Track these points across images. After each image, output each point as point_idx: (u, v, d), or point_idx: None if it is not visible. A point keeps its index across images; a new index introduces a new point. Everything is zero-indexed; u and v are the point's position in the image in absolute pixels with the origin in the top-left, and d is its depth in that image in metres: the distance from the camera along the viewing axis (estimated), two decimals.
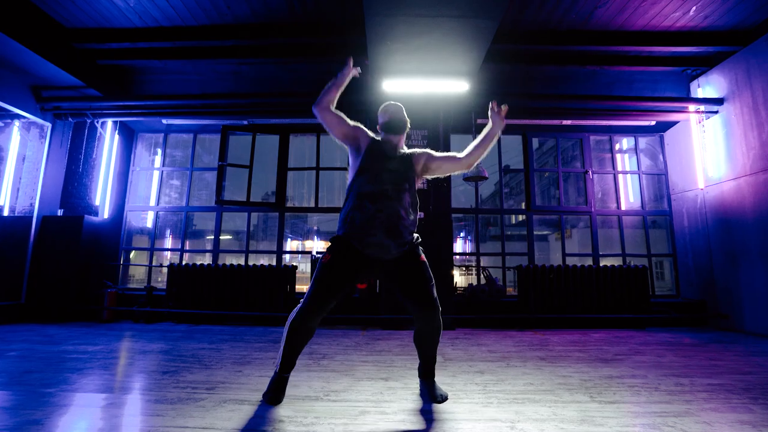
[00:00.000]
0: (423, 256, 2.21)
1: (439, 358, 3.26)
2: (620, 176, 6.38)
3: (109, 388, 2.31)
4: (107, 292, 5.10)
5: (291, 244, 29.64)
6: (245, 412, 1.97)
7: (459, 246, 27.84)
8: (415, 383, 2.53)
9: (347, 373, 2.75)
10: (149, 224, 6.29)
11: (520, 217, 38.13)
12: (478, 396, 2.27)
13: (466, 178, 5.10)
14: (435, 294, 2.15)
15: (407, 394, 2.30)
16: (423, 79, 4.74)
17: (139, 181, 6.23)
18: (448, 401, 2.17)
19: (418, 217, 2.27)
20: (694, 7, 4.28)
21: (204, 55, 5.14)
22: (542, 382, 2.56)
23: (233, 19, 4.63)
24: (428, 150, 2.41)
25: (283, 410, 2.01)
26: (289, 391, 2.32)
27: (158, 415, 1.92)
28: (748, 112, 4.64)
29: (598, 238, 5.82)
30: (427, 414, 1.98)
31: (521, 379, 2.63)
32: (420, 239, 2.25)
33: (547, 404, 2.14)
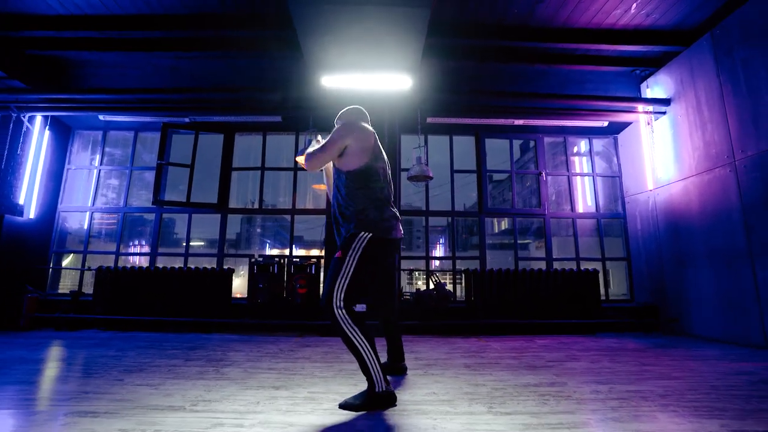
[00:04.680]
0: (340, 252, 2.15)
1: (353, 366, 3.02)
2: (578, 179, 6.28)
3: None
4: (27, 298, 4.75)
5: (271, 253, 29.18)
6: (78, 426, 1.70)
7: (439, 252, 27.63)
8: (305, 391, 2.28)
9: (240, 382, 2.49)
10: (86, 226, 5.95)
11: (503, 226, 38.32)
12: None
13: (410, 178, 4.92)
14: (326, 289, 2.08)
15: (287, 404, 2.06)
16: (364, 74, 4.56)
17: (78, 182, 5.89)
18: (326, 413, 1.93)
19: (363, 206, 2.22)
20: (634, 5, 4.20)
21: (138, 47, 4.90)
22: (447, 392, 2.34)
23: (163, 9, 4.41)
24: None
25: (125, 423, 1.74)
26: (153, 400, 2.06)
27: None
28: (692, 113, 4.56)
29: (553, 243, 5.67)
30: (288, 426, 1.74)
31: (426, 389, 2.40)
32: (360, 231, 2.18)
33: (434, 416, 1.91)
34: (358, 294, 2.11)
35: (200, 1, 4.28)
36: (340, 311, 2.04)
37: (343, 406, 1.99)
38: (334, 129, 2.28)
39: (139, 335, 4.43)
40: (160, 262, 5.55)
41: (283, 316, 4.87)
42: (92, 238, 5.94)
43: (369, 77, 4.60)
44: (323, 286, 2.24)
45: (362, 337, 2.02)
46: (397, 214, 2.36)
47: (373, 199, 2.24)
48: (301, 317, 4.87)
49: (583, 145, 6.60)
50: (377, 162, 2.30)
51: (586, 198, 6.41)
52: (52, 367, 2.82)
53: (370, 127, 2.37)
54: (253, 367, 2.94)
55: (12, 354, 3.29)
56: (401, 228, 2.39)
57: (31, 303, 4.74)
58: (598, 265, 5.57)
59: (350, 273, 2.08)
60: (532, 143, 30.30)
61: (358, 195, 2.22)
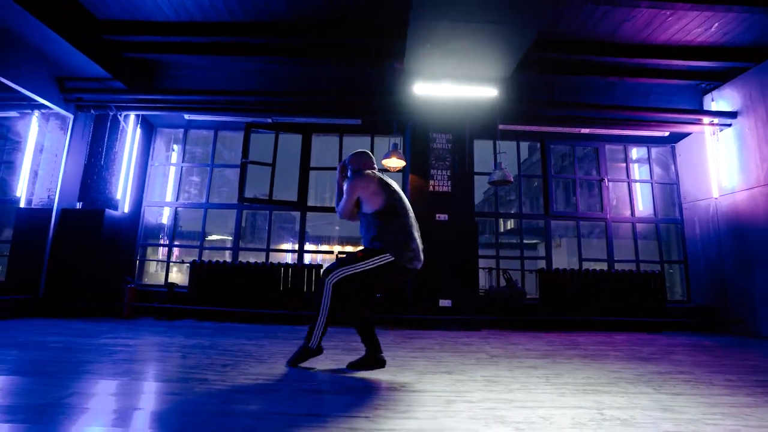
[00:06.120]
0: (362, 253, 2.58)
1: (483, 355, 3.31)
2: (632, 185, 6.58)
3: (177, 379, 2.29)
4: (127, 288, 5.00)
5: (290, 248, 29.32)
6: (329, 400, 1.98)
7: None
8: (481, 376, 2.57)
9: (406, 368, 2.78)
10: (164, 220, 6.21)
11: (509, 225, 38.63)
12: (547, 387, 2.33)
13: (492, 182, 5.21)
14: (330, 267, 2.61)
15: (480, 386, 2.34)
16: (454, 84, 4.83)
17: (158, 177, 6.14)
18: (522, 391, 2.22)
19: (394, 238, 2.55)
20: (716, 24, 4.49)
21: (235, 52, 5.14)
22: (599, 376, 2.63)
23: (268, 16, 4.66)
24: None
25: (371, 399, 2.03)
26: (361, 381, 2.34)
27: (241, 403, 1.91)
28: (762, 126, 4.86)
29: (594, 244, 5.98)
30: (514, 402, 2.02)
31: (577, 373, 2.70)
32: (387, 252, 2.52)
33: (618, 395, 2.20)
34: (349, 289, 2.54)
35: (309, 7, 4.48)
36: (329, 283, 2.53)
37: (352, 365, 2.62)
38: (347, 181, 2.67)
39: (240, 326, 4.68)
40: (211, 257, 5.80)
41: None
42: (167, 231, 6.19)
43: (458, 87, 4.87)
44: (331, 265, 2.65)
45: (328, 307, 2.52)
46: (421, 246, 2.66)
47: (404, 232, 2.57)
48: (384, 311, 5.14)
49: (634, 152, 6.90)
50: (392, 199, 2.62)
51: (637, 203, 6.71)
52: (218, 353, 3.10)
53: (372, 171, 2.71)
54: (395, 356, 3.21)
55: (158, 339, 3.55)
56: (422, 258, 2.66)
57: (131, 293, 4.99)
58: (656, 268, 5.88)
59: (352, 272, 2.52)
60: (538, 145, 30.73)
61: (389, 230, 2.55)
